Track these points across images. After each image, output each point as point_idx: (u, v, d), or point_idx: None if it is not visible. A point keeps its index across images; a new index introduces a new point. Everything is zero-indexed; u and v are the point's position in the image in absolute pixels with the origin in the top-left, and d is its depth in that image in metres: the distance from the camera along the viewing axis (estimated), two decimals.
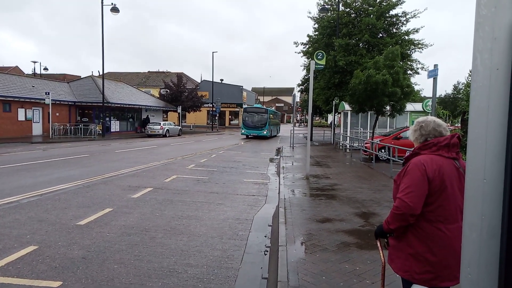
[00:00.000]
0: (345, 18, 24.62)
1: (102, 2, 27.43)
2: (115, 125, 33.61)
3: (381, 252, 2.60)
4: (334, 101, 24.19)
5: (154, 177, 10.55)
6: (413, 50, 23.87)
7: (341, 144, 21.99)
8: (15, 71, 54.04)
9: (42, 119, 28.45)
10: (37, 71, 48.87)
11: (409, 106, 19.08)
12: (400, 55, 16.15)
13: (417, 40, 23.68)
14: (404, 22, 23.88)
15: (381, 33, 24.08)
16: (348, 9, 25.17)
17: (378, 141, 14.98)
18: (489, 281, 1.17)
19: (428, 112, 17.44)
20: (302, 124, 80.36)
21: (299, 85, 35.38)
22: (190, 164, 13.57)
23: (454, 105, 50.93)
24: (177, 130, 34.45)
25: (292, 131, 23.74)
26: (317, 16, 27.02)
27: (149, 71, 70.37)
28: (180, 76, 44.35)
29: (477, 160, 1.16)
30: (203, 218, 6.58)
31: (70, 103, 30.88)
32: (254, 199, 8.25)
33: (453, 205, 2.20)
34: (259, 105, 41.25)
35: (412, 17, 23.51)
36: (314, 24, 27.66)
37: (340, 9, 24.81)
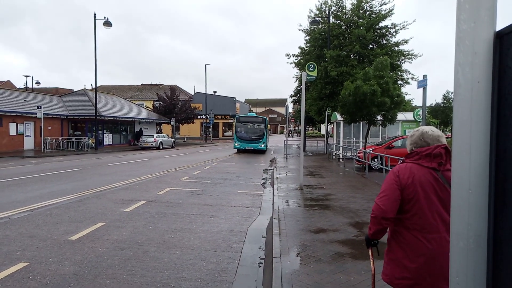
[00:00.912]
0: (336, 30, 25.01)
1: (94, 17, 27.57)
2: (108, 138, 33.42)
3: (371, 260, 2.64)
4: (326, 112, 24.38)
5: (147, 190, 10.48)
6: (403, 61, 24.28)
7: (334, 154, 22.09)
8: (6, 85, 53.66)
9: (34, 133, 28.20)
10: (29, 85, 48.62)
11: (401, 116, 19.31)
12: (390, 65, 16.39)
13: (407, 51, 24.13)
14: (394, 34, 24.34)
15: (371, 44, 24.46)
16: (339, 21, 25.59)
17: (370, 151, 15.08)
18: None
19: (419, 122, 17.64)
20: (296, 134, 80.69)
21: (291, 96, 35.66)
22: (184, 176, 13.51)
23: (445, 114, 51.63)
24: (171, 142, 34.33)
25: (285, 141, 23.82)
26: (308, 28, 27.44)
27: (142, 84, 70.44)
28: (173, 88, 44.45)
29: (461, 171, 1.19)
30: (196, 230, 6.54)
31: (62, 116, 30.70)
32: (248, 211, 8.22)
33: (431, 215, 2.22)
34: (253, 114, 37.12)
35: (401, 29, 23.99)
36: (306, 36, 28.08)
37: (331, 21, 25.21)
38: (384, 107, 14.25)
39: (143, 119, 37.77)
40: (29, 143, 27.81)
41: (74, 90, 39.51)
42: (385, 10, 23.88)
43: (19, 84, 64.93)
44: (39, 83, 50.21)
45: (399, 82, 23.38)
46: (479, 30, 1.15)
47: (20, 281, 4.26)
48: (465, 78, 1.17)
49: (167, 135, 38.07)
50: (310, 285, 4.09)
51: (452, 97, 1.30)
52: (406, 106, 20.28)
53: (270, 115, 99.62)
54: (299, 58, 28.59)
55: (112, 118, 32.25)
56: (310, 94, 25.77)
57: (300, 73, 26.54)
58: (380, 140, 20.14)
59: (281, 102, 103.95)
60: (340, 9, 25.57)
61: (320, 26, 25.89)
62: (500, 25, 1.16)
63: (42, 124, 25.99)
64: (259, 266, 4.96)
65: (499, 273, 1.16)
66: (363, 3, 24.36)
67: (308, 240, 5.80)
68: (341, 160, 19.92)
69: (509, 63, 1.12)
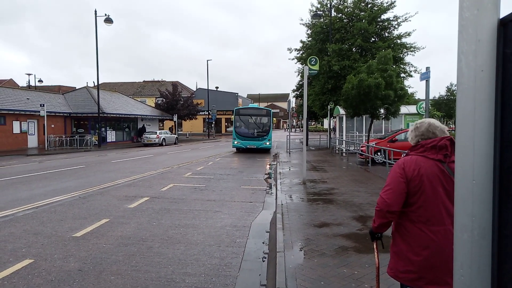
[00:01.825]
0: (338, 24, 24.83)
1: (95, 14, 27.52)
2: (111, 135, 33.52)
3: (376, 254, 2.63)
4: (329, 106, 24.29)
5: (150, 187, 10.51)
6: (406, 54, 24.09)
7: (337, 148, 22.04)
8: (9, 83, 53.96)
9: (38, 131, 28.31)
10: (32, 83, 48.79)
11: (404, 109, 19.19)
12: (393, 58, 16.28)
13: (409, 44, 23.92)
14: (396, 26, 24.13)
15: (374, 38, 24.29)
16: (340, 14, 25.40)
17: (373, 144, 15.02)
18: (482, 282, 1.17)
19: (422, 114, 17.54)
20: (299, 129, 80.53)
21: (294, 90, 35.47)
22: (187, 172, 13.53)
23: (449, 107, 51.26)
24: (173, 139, 34.38)
25: (288, 136, 23.75)
26: (309, 22, 27.24)
27: (144, 81, 70.46)
28: (175, 84, 44.42)
29: (465, 161, 1.17)
30: (200, 226, 6.55)
31: (65, 114, 30.78)
32: (252, 206, 8.22)
33: (436, 207, 2.20)
34: (256, 105, 31.07)
35: (404, 21, 23.77)
36: (307, 30, 27.89)
37: (333, 15, 25.03)
38: (388, 100, 14.17)
39: (146, 115, 37.82)
40: (32, 141, 27.93)
41: (77, 88, 39.57)
42: (387, 2, 23.67)
43: (21, 82, 65.15)
44: (42, 81, 50.36)
45: (402, 75, 23.21)
46: (482, 18, 1.12)
47: (25, 278, 4.29)
48: (468, 67, 1.14)
49: (170, 131, 38.08)
50: (314, 279, 4.09)
51: (456, 88, 1.27)
52: (409, 99, 20.19)
53: (272, 110, 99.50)
54: (301, 52, 28.43)
55: (114, 115, 32.30)
56: (312, 89, 25.66)
57: (302, 68, 26.44)
58: (383, 133, 20.06)
59: (284, 97, 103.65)
60: (341, 2, 25.37)
61: (321, 20, 25.70)
62: (503, 12, 1.13)
63: (46, 122, 26.06)
64: (263, 261, 4.97)
65: (503, 265, 1.15)
66: None
67: (312, 234, 5.80)
68: (344, 154, 19.87)
69: None
